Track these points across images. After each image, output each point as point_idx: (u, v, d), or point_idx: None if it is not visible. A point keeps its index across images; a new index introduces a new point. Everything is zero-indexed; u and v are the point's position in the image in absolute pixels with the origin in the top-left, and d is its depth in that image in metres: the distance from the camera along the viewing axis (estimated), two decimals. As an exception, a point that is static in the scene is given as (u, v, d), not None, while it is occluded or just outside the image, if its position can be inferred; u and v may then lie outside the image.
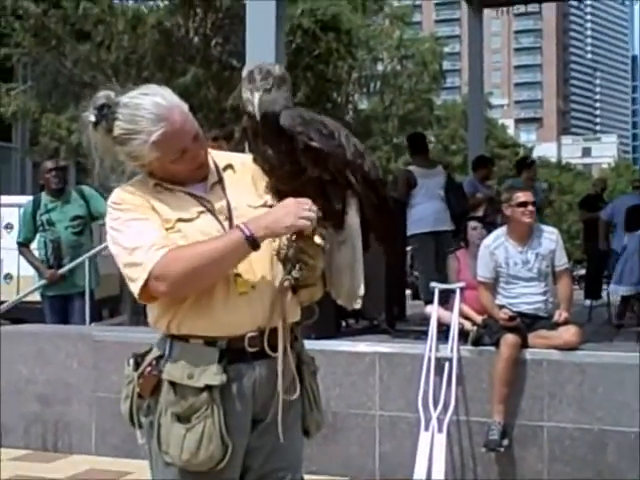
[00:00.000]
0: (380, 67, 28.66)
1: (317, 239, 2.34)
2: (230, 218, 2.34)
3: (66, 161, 17.57)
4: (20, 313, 8.15)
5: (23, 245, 7.44)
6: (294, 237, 2.29)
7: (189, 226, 2.30)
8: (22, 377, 6.35)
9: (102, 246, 7.18)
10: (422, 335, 5.77)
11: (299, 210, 2.21)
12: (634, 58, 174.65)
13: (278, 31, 6.64)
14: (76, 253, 7.14)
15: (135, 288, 2.24)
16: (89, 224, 7.38)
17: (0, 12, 19.92)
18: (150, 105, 2.28)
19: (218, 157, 2.47)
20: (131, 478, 5.48)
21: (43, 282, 7.27)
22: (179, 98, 2.36)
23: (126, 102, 2.30)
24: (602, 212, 9.44)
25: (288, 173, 2.33)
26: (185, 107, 2.34)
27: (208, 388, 2.26)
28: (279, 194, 2.37)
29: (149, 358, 2.37)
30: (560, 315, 5.48)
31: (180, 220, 2.30)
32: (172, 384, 2.30)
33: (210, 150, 2.46)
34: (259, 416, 2.36)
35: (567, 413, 5.24)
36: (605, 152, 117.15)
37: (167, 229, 2.29)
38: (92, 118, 2.32)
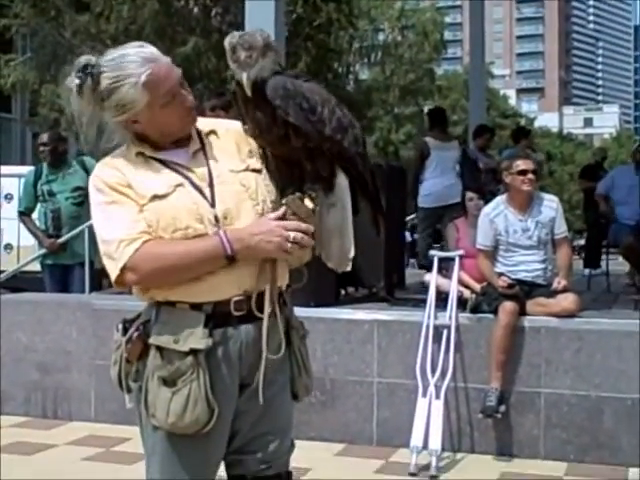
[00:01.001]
0: (381, 37, 28.51)
1: (308, 202, 2.33)
2: (211, 184, 2.34)
3: (66, 132, 17.52)
4: (20, 282, 8.17)
5: (24, 214, 7.45)
6: (284, 200, 2.32)
7: (163, 203, 2.29)
8: (22, 345, 6.37)
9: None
10: (421, 303, 5.78)
11: (283, 241, 2.24)
12: (636, 28, 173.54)
13: (278, 1, 6.61)
14: (76, 223, 7.13)
15: (111, 278, 2.31)
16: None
17: (-2, -17, 19.81)
18: (134, 52, 2.31)
19: (201, 123, 2.46)
20: (130, 444, 5.51)
21: (43, 251, 7.29)
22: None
23: (109, 57, 2.32)
24: (598, 185, 9.21)
25: (277, 138, 2.35)
26: (167, 59, 2.36)
27: (193, 352, 2.28)
28: (269, 158, 2.42)
29: (136, 323, 2.37)
30: (559, 283, 5.49)
31: (155, 197, 2.29)
32: (159, 349, 2.31)
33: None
34: (246, 380, 2.37)
35: (564, 380, 5.26)
36: (607, 122, 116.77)
37: (142, 205, 2.29)
38: (76, 81, 2.33)
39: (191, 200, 2.30)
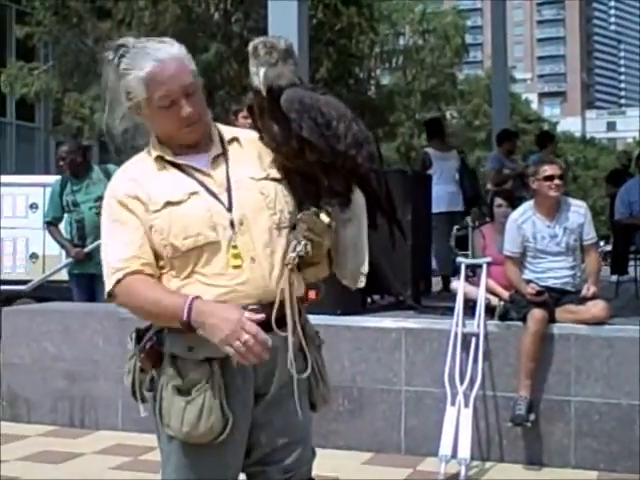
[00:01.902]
0: (402, 41, 28.49)
1: (324, 216, 2.33)
2: (229, 189, 2.34)
3: (89, 140, 17.62)
4: (46, 292, 8.21)
5: (51, 224, 7.50)
6: (300, 215, 2.33)
7: (177, 209, 2.30)
8: (49, 354, 6.40)
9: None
10: (448, 311, 5.74)
11: (234, 337, 2.17)
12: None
13: (300, 6, 6.60)
14: (100, 233, 7.14)
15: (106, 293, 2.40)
16: None
17: (21, -9, 19.94)
18: (153, 48, 2.35)
19: (225, 130, 2.48)
20: (157, 453, 5.50)
21: (69, 260, 7.33)
22: (191, 59, 2.40)
23: (137, 44, 2.38)
24: (616, 211, 8.83)
25: (293, 150, 2.34)
26: (190, 65, 2.37)
27: (208, 361, 2.28)
28: (285, 170, 2.41)
29: (150, 332, 2.38)
30: (588, 289, 5.44)
31: (168, 203, 2.31)
32: (173, 357, 2.32)
33: (216, 123, 2.48)
34: (261, 390, 2.36)
35: (595, 388, 5.21)
36: (630, 126, 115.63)
37: (155, 211, 2.31)
38: (110, 56, 2.39)
39: (205, 208, 2.31)
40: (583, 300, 5.43)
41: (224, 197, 2.33)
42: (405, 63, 28.27)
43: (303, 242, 2.29)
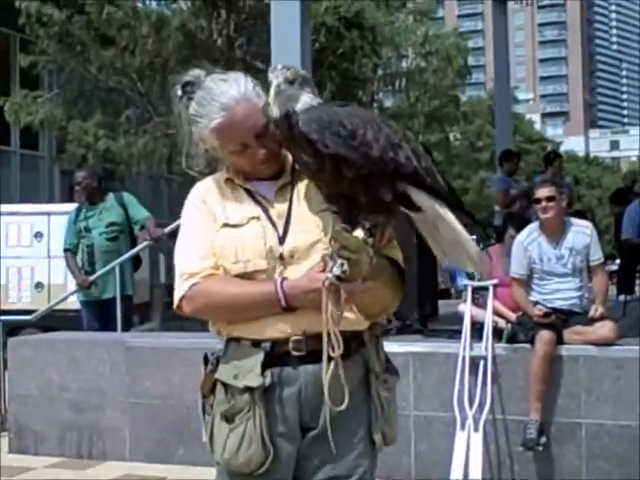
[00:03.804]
0: (405, 64, 28.58)
1: (359, 232, 2.22)
2: (287, 222, 2.33)
3: (94, 167, 17.63)
4: (52, 321, 8.20)
5: (68, 251, 7.57)
6: (331, 233, 2.24)
7: (233, 232, 2.32)
8: (55, 385, 6.38)
9: (132, 252, 7.20)
10: (456, 334, 5.71)
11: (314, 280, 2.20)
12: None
13: (303, 30, 6.61)
14: (109, 258, 7.23)
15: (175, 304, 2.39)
16: (126, 231, 7.46)
17: (24, 19, 20.01)
18: (220, 93, 2.32)
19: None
20: (165, 483, 5.49)
21: (75, 289, 7.38)
22: (260, 92, 2.36)
23: (205, 84, 2.36)
24: (624, 232, 8.76)
25: (330, 175, 2.24)
26: (258, 103, 2.33)
27: (249, 389, 2.26)
28: (329, 197, 2.32)
29: (212, 358, 2.39)
30: (596, 310, 5.42)
31: (226, 225, 2.33)
32: (223, 384, 2.32)
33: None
34: (309, 424, 2.32)
35: (605, 409, 5.17)
36: (634, 145, 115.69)
37: (215, 230, 2.34)
38: (179, 92, 2.40)
39: (261, 234, 2.31)
40: (591, 321, 5.40)
41: (281, 228, 2.32)
42: (408, 85, 28.30)
43: (339, 261, 2.18)
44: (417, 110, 28.26)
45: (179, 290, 2.33)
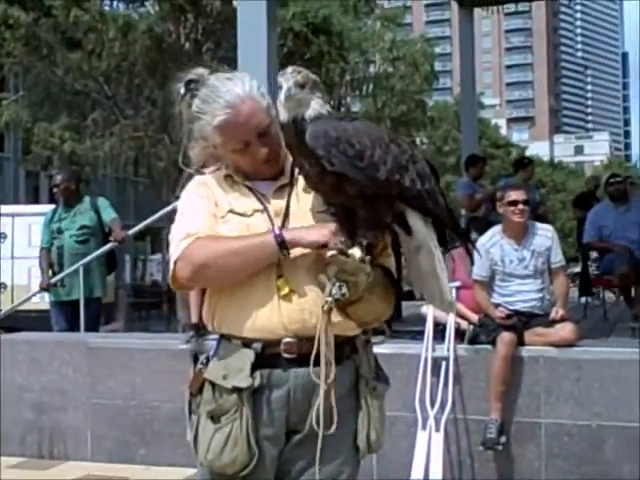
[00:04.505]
0: (372, 69, 28.70)
1: (357, 250, 2.20)
2: (285, 221, 2.31)
3: (59, 169, 17.54)
4: (15, 322, 8.16)
5: (43, 250, 7.61)
6: (329, 254, 2.20)
7: (239, 219, 2.31)
8: (17, 385, 6.34)
9: (95, 254, 7.19)
10: (418, 335, 5.76)
11: (327, 233, 2.19)
12: (624, 55, 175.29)
13: (270, 35, 6.63)
14: (77, 261, 7.23)
15: (169, 275, 2.34)
16: (98, 234, 7.47)
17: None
18: (225, 90, 2.31)
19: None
20: (128, 483, 5.48)
21: (38, 290, 7.43)
22: (264, 92, 2.36)
23: (209, 82, 2.35)
24: (586, 236, 8.83)
25: (331, 188, 2.21)
26: (262, 102, 2.33)
27: (238, 390, 2.24)
28: (331, 206, 2.29)
29: (203, 357, 2.38)
30: (557, 312, 5.48)
31: (231, 212, 2.32)
32: (211, 383, 2.30)
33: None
34: (295, 427, 2.30)
35: (564, 409, 5.24)
36: (597, 150, 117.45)
37: (221, 217, 2.33)
38: (182, 90, 2.38)
39: (266, 227, 2.28)
40: (552, 323, 5.47)
41: (278, 226, 2.29)
42: (375, 90, 28.48)
43: (337, 284, 2.17)
44: (384, 115, 28.40)
45: (174, 254, 2.28)
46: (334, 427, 2.23)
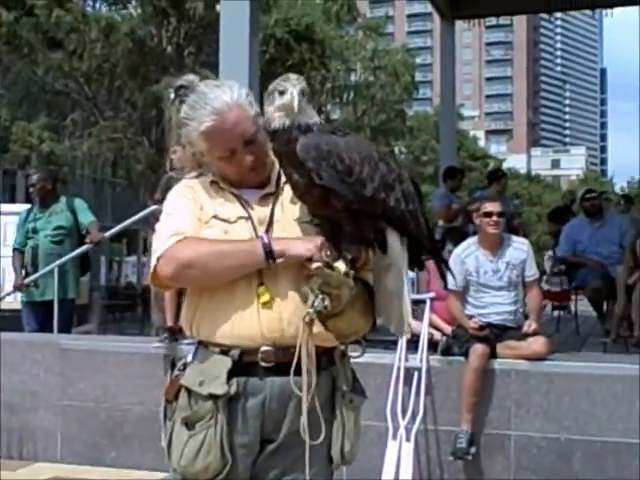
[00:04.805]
0: (353, 78, 28.79)
1: (341, 264, 2.20)
2: (269, 229, 2.32)
3: (37, 169, 17.47)
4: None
5: (16, 250, 7.55)
6: (313, 266, 2.19)
7: (224, 225, 2.31)
8: (-12, 385, 6.30)
9: (70, 255, 7.17)
10: (391, 345, 5.77)
11: (312, 247, 2.19)
12: (603, 71, 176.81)
13: (252, 41, 6.64)
14: (52, 261, 7.18)
15: (150, 272, 2.32)
16: (73, 235, 7.41)
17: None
18: (213, 97, 2.32)
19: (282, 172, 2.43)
20: (97, 486, 5.47)
21: (10, 290, 7.37)
22: (252, 101, 2.36)
23: (198, 89, 2.35)
24: (559, 250, 8.88)
25: (317, 200, 2.23)
26: (250, 111, 2.33)
27: (213, 397, 2.24)
28: (316, 218, 2.32)
29: (180, 363, 2.37)
30: (529, 326, 5.52)
31: (215, 217, 2.33)
32: (187, 390, 2.30)
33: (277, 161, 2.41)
34: (270, 436, 2.30)
35: (534, 422, 5.28)
36: (574, 164, 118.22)
37: (205, 222, 2.33)
38: (171, 96, 2.40)
39: (249, 234, 2.30)
40: (524, 336, 5.51)
41: (262, 234, 2.29)
42: (355, 99, 28.58)
43: (320, 297, 2.17)
44: (364, 123, 28.49)
45: (158, 251, 2.27)
46: (322, 436, 2.25)
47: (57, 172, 8.30)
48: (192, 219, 2.33)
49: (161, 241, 2.29)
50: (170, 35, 21.92)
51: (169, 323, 6.22)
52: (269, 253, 2.21)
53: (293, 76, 2.22)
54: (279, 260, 2.22)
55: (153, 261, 2.29)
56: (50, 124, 21.91)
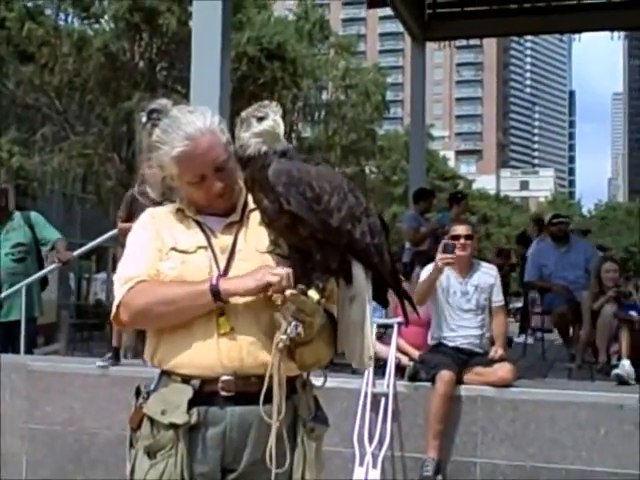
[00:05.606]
0: (325, 96, 28.86)
1: (313, 293, 2.23)
2: (230, 258, 2.33)
3: (6, 184, 17.37)
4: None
5: None
6: (288, 293, 2.20)
7: (181, 257, 2.34)
8: (-48, 407, 6.21)
9: (40, 274, 7.09)
10: (358, 369, 5.79)
11: (267, 273, 2.20)
12: (571, 93, 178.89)
13: (224, 58, 6.65)
14: (16, 280, 6.99)
15: (112, 316, 2.36)
16: (34, 251, 7.25)
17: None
18: (186, 122, 2.34)
19: (252, 199, 2.42)
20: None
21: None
22: (224, 128, 2.38)
23: (171, 113, 2.37)
24: (527, 274, 8.95)
25: (285, 227, 2.26)
26: (222, 138, 2.36)
27: (174, 426, 2.25)
28: (288, 246, 2.33)
29: (144, 391, 2.37)
30: (496, 352, 5.56)
31: (174, 249, 2.35)
32: (150, 419, 2.30)
33: (245, 190, 2.43)
34: (230, 465, 2.30)
35: (500, 449, 5.31)
36: (542, 186, 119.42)
37: (165, 254, 2.35)
38: (143, 119, 2.40)
39: (207, 264, 2.32)
40: (491, 362, 5.55)
41: (222, 263, 2.32)
42: (327, 117, 28.65)
43: (293, 323, 2.18)
44: (334, 142, 28.54)
45: (117, 299, 2.32)
46: (287, 464, 2.26)
47: (7, 189, 8.04)
48: (151, 255, 2.36)
49: (118, 286, 2.34)
50: (142, 50, 21.92)
51: (114, 344, 6.23)
52: (216, 294, 2.23)
53: (269, 103, 2.26)
54: (231, 299, 2.25)
55: (114, 308, 2.33)
56: (20, 138, 21.76)
